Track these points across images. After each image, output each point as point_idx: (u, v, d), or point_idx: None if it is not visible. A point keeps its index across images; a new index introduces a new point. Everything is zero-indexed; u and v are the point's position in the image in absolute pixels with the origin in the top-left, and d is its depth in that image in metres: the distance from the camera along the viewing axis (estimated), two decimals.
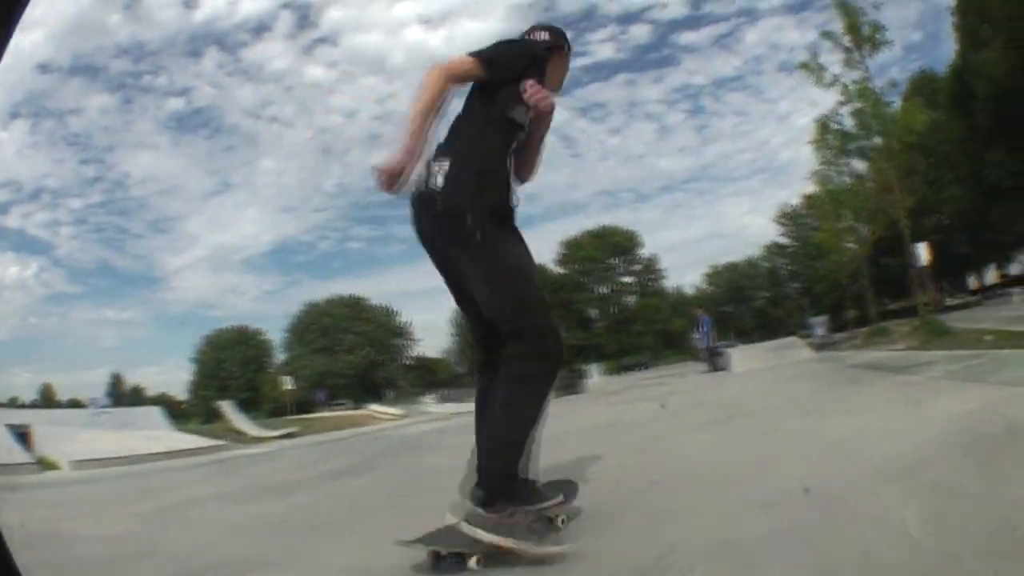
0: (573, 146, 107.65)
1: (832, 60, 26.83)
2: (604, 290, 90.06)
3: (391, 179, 3.83)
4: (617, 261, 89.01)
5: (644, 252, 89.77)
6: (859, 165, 30.02)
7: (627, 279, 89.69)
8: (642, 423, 10.90)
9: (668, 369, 43.99)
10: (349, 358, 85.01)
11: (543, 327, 3.94)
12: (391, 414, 40.90)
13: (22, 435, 26.00)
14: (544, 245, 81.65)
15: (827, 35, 27.19)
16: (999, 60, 40.36)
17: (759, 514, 3.81)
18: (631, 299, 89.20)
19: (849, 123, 27.42)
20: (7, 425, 26.81)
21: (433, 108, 3.92)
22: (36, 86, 74.56)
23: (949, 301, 51.28)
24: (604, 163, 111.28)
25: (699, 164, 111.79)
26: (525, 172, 4.46)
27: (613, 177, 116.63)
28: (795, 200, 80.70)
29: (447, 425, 20.43)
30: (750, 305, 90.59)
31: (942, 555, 2.79)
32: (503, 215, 4.09)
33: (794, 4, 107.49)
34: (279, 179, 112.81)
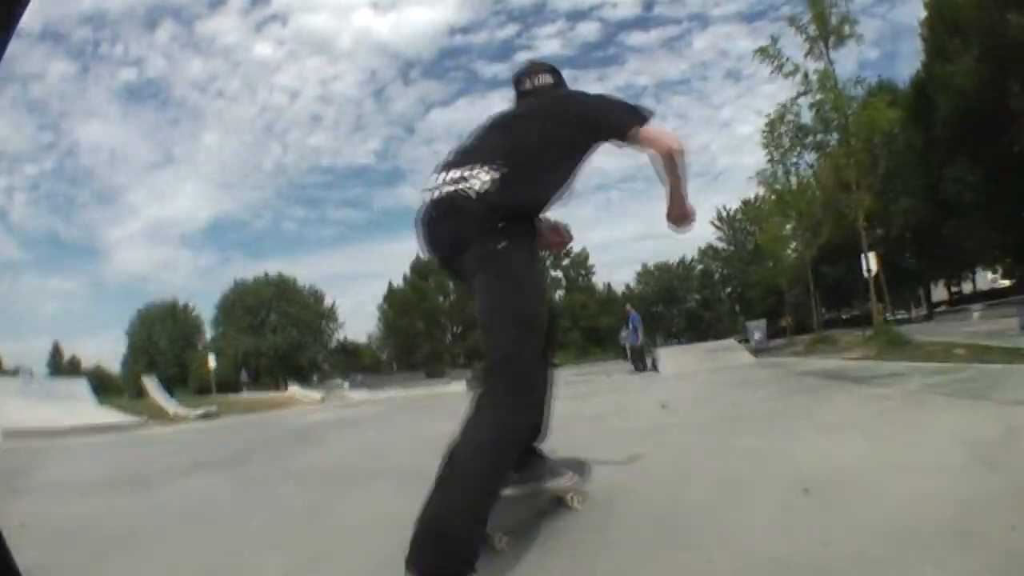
0: None
1: (794, 49, 24.95)
2: None
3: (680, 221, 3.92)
4: (545, 255, 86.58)
5: (573, 247, 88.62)
6: (813, 161, 28.68)
7: (555, 273, 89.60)
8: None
9: (593, 367, 42.17)
10: (273, 338, 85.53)
11: (521, 386, 3.39)
12: (311, 398, 39.74)
13: None
14: None
15: (792, 21, 25.26)
16: (970, 73, 40.14)
17: None
18: (558, 294, 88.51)
19: (807, 116, 25.70)
20: None
21: None
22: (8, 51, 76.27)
23: (896, 315, 51.02)
24: None
25: (635, 164, 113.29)
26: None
27: None
28: (733, 205, 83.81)
29: (353, 414, 18.86)
30: (681, 307, 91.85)
31: None
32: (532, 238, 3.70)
33: (747, 13, 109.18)
34: (219, 155, 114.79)
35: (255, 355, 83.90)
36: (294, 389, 50.51)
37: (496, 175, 3.42)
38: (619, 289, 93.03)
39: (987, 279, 61.69)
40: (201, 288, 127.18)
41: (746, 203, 76.86)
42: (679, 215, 3.90)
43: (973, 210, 43.17)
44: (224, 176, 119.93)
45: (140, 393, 54.68)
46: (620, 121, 3.67)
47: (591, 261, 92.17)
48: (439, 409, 14.71)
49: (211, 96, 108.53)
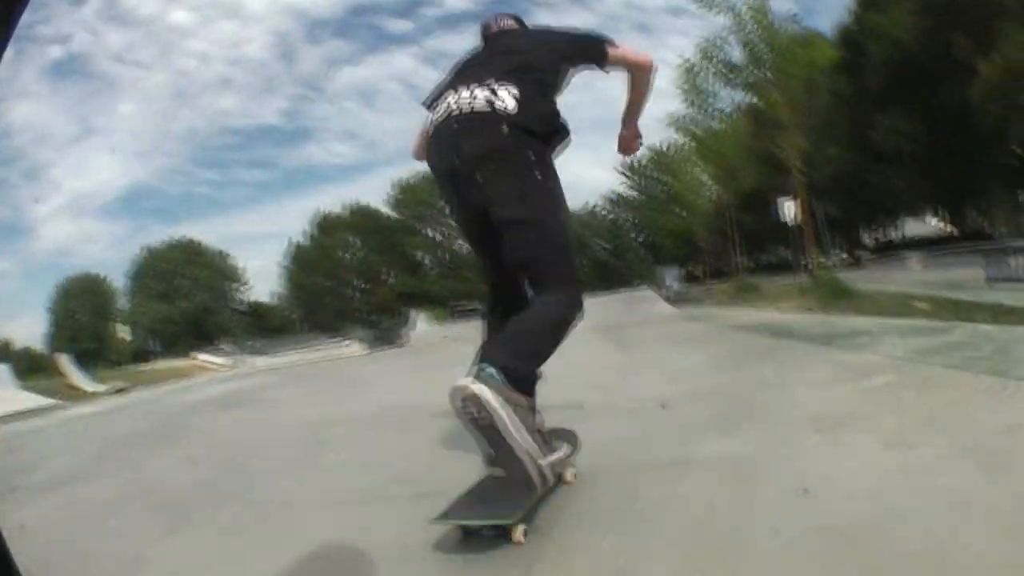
0: (416, 94, 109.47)
1: None
2: (436, 236, 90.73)
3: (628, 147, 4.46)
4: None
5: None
6: (740, 102, 27.42)
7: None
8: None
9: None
10: (183, 304, 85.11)
11: (573, 276, 3.72)
12: (218, 364, 39.55)
13: None
14: (378, 191, 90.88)
15: None
16: (905, 25, 40.02)
17: None
18: (460, 244, 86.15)
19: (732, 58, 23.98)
20: None
21: None
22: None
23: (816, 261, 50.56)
24: None
25: None
26: None
27: None
28: (643, 155, 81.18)
29: (247, 387, 17.04)
30: (589, 256, 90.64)
31: None
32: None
33: None
34: (134, 123, 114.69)
35: (167, 322, 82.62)
36: (202, 356, 48.62)
37: (517, 92, 3.56)
38: None
39: (931, 225, 60.72)
40: (119, 258, 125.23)
41: (656, 152, 77.42)
42: (632, 134, 4.37)
43: (909, 160, 42.90)
44: (139, 144, 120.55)
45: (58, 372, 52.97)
46: (599, 46, 3.99)
47: None
48: (332, 379, 13.85)
49: (129, 66, 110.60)
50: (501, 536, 3.08)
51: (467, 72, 3.89)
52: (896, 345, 7.67)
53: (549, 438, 3.57)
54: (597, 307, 21.82)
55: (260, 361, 28.24)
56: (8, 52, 1.76)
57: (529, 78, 3.70)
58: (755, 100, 25.61)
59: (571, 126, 3.81)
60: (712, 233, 48.91)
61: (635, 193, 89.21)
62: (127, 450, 9.67)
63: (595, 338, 13.25)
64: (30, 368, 50.05)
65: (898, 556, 2.42)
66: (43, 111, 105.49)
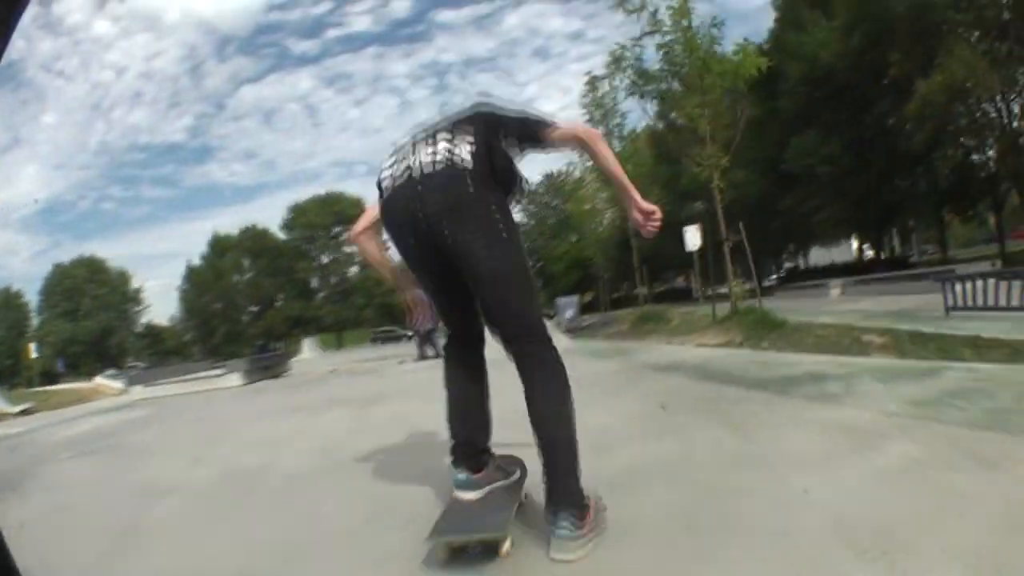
0: (315, 115, 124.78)
1: None
2: (327, 259, 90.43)
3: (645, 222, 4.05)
4: (341, 229, 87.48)
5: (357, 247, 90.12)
6: (652, 112, 25.53)
7: (348, 249, 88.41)
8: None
9: (391, 349, 39.30)
10: (86, 323, 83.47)
11: (544, 331, 3.81)
12: (115, 388, 34.99)
13: None
14: (274, 212, 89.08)
15: None
16: (828, 43, 39.72)
17: None
18: (353, 270, 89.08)
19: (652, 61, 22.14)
20: None
21: None
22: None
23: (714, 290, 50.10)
24: (343, 134, 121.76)
25: None
26: None
27: (350, 148, 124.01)
28: (534, 178, 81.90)
29: (113, 424, 14.71)
30: None
31: None
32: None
33: None
34: (55, 135, 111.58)
35: (72, 342, 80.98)
36: (99, 380, 43.80)
37: (473, 148, 3.66)
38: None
39: (839, 251, 60.59)
40: (39, 272, 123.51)
41: (549, 176, 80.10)
42: (640, 211, 3.94)
43: (827, 183, 42.05)
44: (57, 156, 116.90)
45: None
46: (538, 127, 3.88)
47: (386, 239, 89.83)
48: (194, 421, 12.31)
49: (54, 75, 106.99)
50: (489, 551, 3.32)
51: (422, 135, 3.91)
52: (881, 394, 6.23)
53: (504, 464, 3.99)
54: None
55: (136, 391, 25.79)
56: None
57: (482, 137, 3.73)
58: (670, 113, 23.98)
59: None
60: (609, 260, 47.59)
61: (523, 218, 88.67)
62: None
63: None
64: None
65: None
66: None
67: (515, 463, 4.07)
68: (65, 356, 75.02)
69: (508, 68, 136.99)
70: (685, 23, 18.71)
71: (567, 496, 3.35)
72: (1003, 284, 13.75)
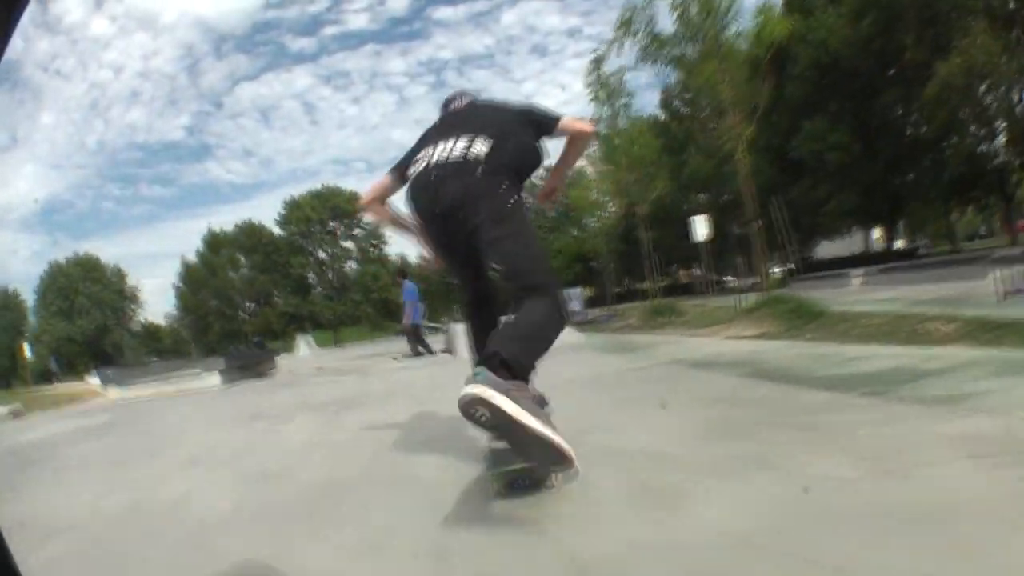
0: (313, 113, 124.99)
1: None
2: (323, 255, 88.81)
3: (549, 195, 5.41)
4: (337, 224, 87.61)
5: (367, 216, 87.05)
6: (669, 77, 24.11)
7: (346, 244, 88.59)
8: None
9: (385, 346, 36.48)
10: (81, 323, 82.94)
11: (556, 282, 4.04)
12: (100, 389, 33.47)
13: None
14: (273, 211, 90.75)
15: None
16: (836, 29, 38.92)
17: None
18: (350, 265, 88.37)
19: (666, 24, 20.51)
20: None
21: None
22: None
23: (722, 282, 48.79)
24: (341, 131, 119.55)
25: None
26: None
27: (347, 146, 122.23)
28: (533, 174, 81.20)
29: (71, 430, 13.13)
30: None
31: None
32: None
33: None
34: (52, 134, 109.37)
35: (68, 341, 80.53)
36: (90, 380, 43.34)
37: (490, 143, 4.03)
38: (413, 262, 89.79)
39: (858, 244, 58.03)
40: (37, 272, 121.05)
41: (549, 170, 76.17)
42: (553, 186, 5.36)
43: (835, 172, 40.97)
44: (55, 156, 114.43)
45: None
46: (550, 121, 4.47)
47: (383, 233, 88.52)
48: (153, 431, 10.82)
49: (51, 75, 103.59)
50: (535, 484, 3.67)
51: (444, 131, 4.31)
52: (1003, 395, 4.86)
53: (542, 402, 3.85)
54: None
55: (112, 392, 24.26)
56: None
57: (506, 130, 4.17)
58: (685, 81, 22.17)
59: None
60: (611, 252, 46.11)
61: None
62: None
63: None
64: None
65: None
66: None
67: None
68: (61, 355, 74.52)
69: (505, 65, 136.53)
70: None
71: (502, 352, 3.38)
72: None
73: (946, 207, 47.30)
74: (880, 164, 40.36)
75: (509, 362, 3.32)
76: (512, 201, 3.92)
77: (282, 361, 28.91)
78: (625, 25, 20.31)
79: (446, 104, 4.94)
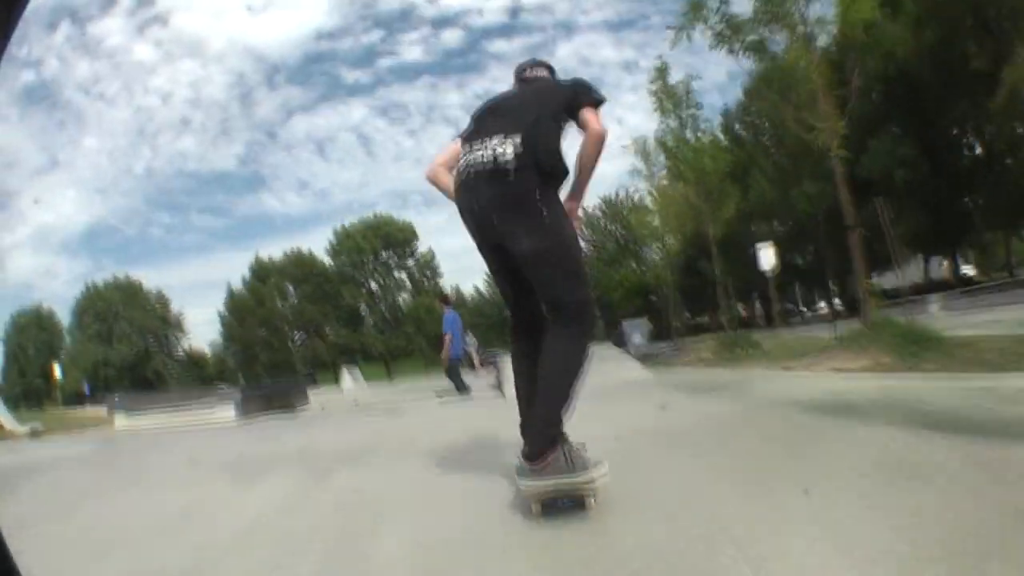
0: (369, 145, 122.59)
1: None
2: (375, 285, 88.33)
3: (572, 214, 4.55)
4: (390, 254, 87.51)
5: (420, 247, 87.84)
6: (750, 70, 21.74)
7: (399, 275, 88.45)
8: None
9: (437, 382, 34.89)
10: (120, 347, 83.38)
11: (586, 299, 4.07)
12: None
13: None
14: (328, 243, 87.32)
15: None
16: (900, 38, 35.93)
17: None
18: (403, 297, 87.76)
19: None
20: None
21: None
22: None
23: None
24: (397, 164, 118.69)
25: None
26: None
27: (404, 178, 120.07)
28: (593, 200, 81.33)
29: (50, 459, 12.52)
30: None
31: None
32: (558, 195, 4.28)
33: (613, 22, 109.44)
34: (97, 159, 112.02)
35: (103, 365, 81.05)
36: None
37: (520, 142, 3.95)
38: (469, 294, 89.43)
39: (918, 272, 55.13)
40: (72, 295, 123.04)
41: (607, 201, 78.73)
42: (574, 205, 4.46)
43: (903, 193, 39.33)
44: (100, 181, 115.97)
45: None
46: (576, 100, 4.20)
47: (437, 261, 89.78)
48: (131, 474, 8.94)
49: (93, 98, 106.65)
50: (576, 506, 3.57)
51: (488, 121, 4.26)
52: None
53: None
54: None
55: (119, 421, 22.77)
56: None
57: (535, 129, 4.01)
58: (767, 64, 19.85)
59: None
60: (674, 284, 44.34)
61: (582, 246, 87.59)
62: None
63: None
64: None
65: None
66: (12, 136, 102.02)
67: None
68: (97, 379, 75.43)
69: None
70: None
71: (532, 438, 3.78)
72: None
73: (1008, 231, 45.54)
74: (944, 184, 38.80)
75: (545, 448, 3.63)
76: (546, 212, 3.91)
77: (322, 395, 28.61)
78: (694, 9, 17.97)
79: (520, 71, 4.88)
